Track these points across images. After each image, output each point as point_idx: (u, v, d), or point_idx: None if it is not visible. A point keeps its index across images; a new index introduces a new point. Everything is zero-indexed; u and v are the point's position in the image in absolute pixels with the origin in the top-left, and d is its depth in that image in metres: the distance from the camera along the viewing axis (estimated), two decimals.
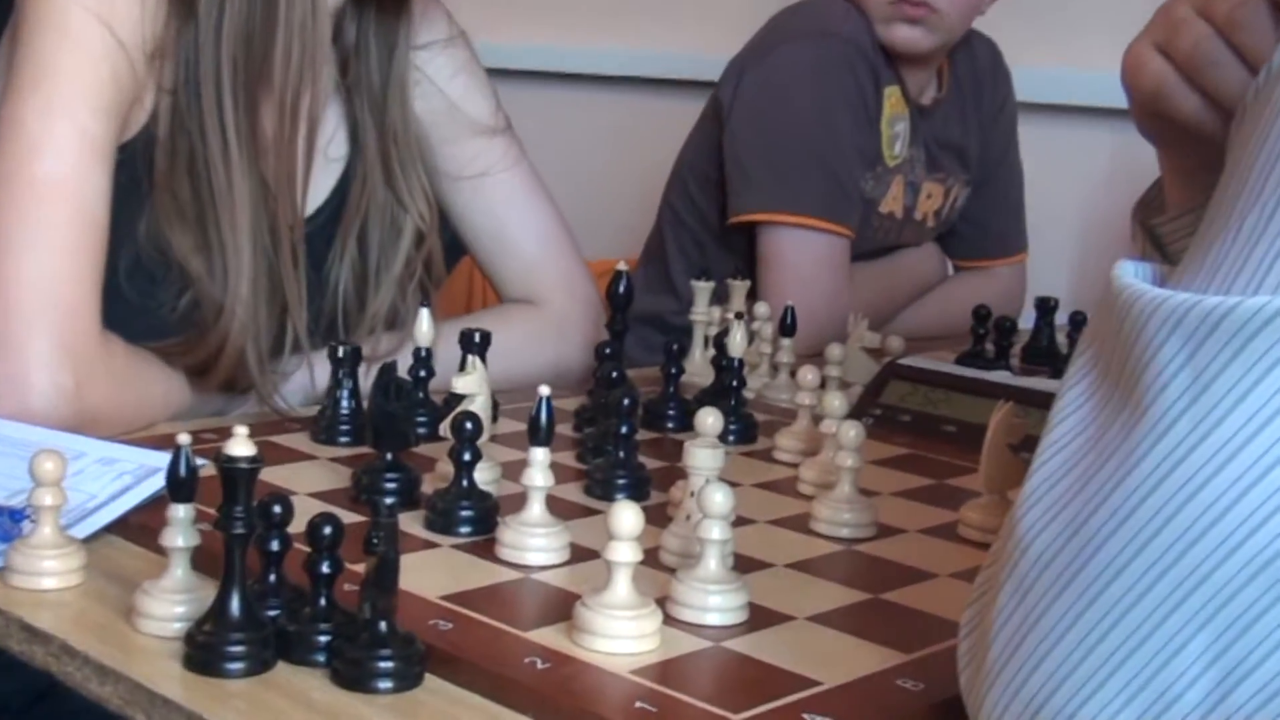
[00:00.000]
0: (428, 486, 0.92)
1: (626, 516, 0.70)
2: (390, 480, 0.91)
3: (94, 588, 0.77)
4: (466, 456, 0.87)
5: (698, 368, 1.34)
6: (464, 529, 0.85)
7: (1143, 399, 0.50)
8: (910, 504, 1.00)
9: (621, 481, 0.95)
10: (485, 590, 0.77)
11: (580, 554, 0.83)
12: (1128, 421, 0.50)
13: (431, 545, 0.84)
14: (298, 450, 1.03)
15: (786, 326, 1.29)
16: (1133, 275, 0.54)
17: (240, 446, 0.68)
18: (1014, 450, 0.93)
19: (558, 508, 0.86)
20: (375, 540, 0.66)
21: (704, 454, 0.82)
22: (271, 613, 0.70)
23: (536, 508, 0.82)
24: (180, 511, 0.72)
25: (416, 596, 0.75)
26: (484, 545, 0.84)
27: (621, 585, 0.70)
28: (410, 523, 0.87)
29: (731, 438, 1.12)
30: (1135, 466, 0.49)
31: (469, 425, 0.86)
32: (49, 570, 0.76)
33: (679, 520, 0.83)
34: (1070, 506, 0.51)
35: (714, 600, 0.74)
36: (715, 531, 0.74)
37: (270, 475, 0.94)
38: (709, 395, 1.19)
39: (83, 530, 0.83)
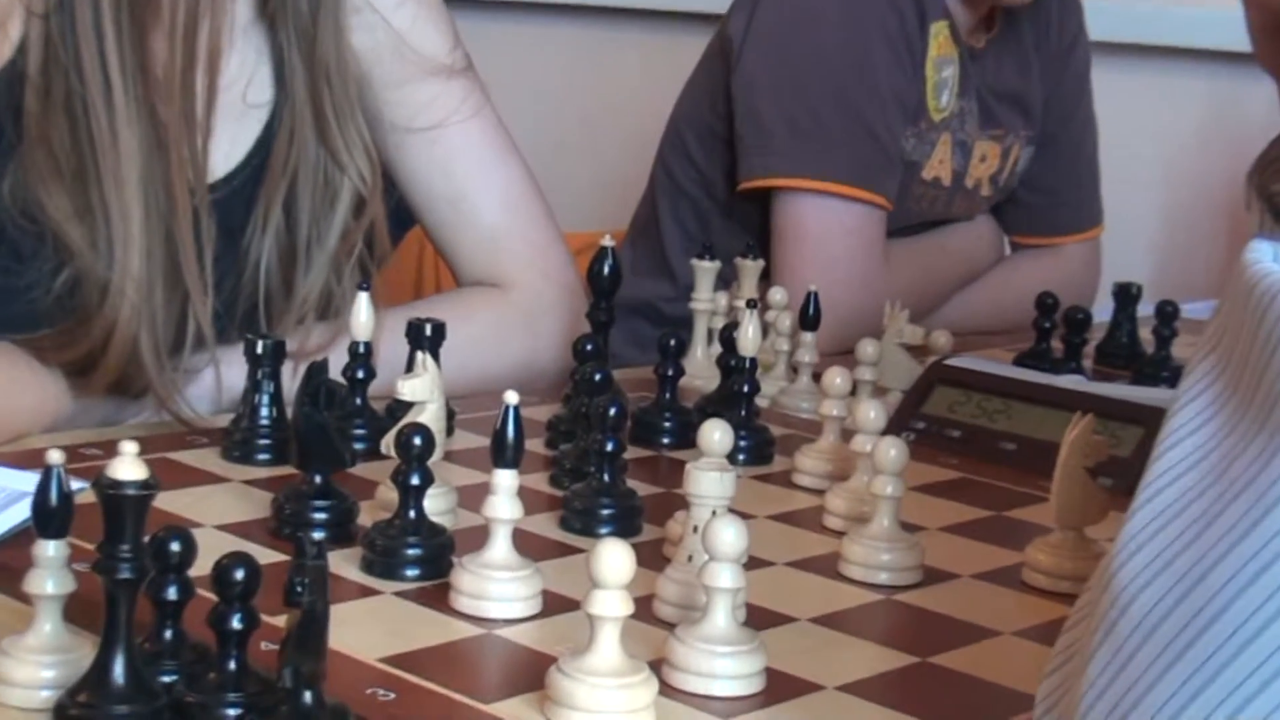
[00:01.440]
0: (366, 518, 0.90)
1: (613, 558, 0.68)
2: (319, 510, 0.89)
3: None
4: (414, 480, 0.85)
5: (700, 368, 1.32)
6: (410, 571, 0.84)
7: None
8: (962, 542, 0.98)
9: (606, 512, 0.93)
10: (437, 650, 0.76)
11: (555, 604, 0.81)
12: (1265, 449, 0.48)
13: (370, 592, 0.83)
14: (205, 471, 1.01)
15: (808, 318, 1.28)
16: (1272, 259, 0.52)
17: (127, 468, 0.66)
18: (1093, 475, 0.92)
19: (527, 545, 0.84)
20: (299, 588, 0.64)
21: (710, 479, 0.81)
22: (166, 678, 0.68)
23: (501, 546, 0.80)
24: (50, 549, 0.69)
25: (351, 658, 0.73)
26: (435, 592, 0.82)
27: (607, 645, 0.68)
28: (344, 564, 0.85)
29: (742, 457, 1.10)
30: (1274, 508, 0.47)
31: (418, 441, 0.84)
32: None
33: (678, 562, 0.82)
34: (1185, 555, 0.49)
35: (722, 665, 0.72)
36: (725, 578, 0.73)
37: (169, 502, 0.92)
38: (714, 403, 1.17)
39: None
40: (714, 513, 0.80)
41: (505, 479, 0.80)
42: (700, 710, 0.71)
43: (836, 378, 1.08)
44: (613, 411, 0.93)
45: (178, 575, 0.69)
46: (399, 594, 0.82)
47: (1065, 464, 0.91)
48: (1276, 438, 0.48)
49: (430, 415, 0.95)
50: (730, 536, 0.72)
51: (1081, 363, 1.44)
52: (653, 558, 0.89)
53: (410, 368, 0.99)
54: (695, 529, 0.80)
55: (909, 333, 1.34)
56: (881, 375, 1.28)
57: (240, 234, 1.23)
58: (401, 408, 1.00)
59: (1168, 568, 0.49)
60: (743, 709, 0.72)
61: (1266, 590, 0.47)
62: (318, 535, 0.87)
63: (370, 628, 0.78)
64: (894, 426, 1.22)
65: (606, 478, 0.94)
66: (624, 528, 0.93)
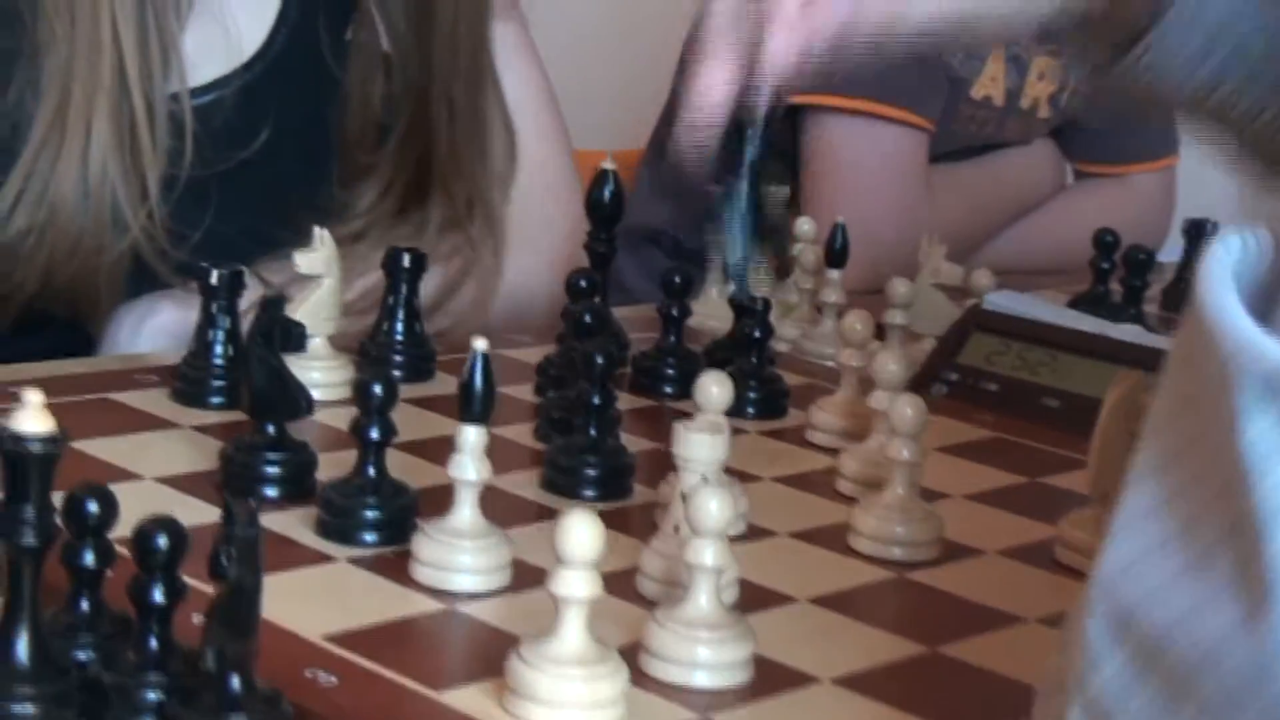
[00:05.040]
0: (326, 470, 0.88)
1: (580, 532, 0.66)
2: (272, 464, 0.87)
3: None
4: (374, 435, 0.83)
5: (714, 308, 1.29)
6: (368, 536, 0.82)
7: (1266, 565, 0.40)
8: (990, 512, 0.96)
9: (591, 472, 0.91)
10: (389, 628, 0.74)
11: (527, 577, 0.79)
12: (1242, 590, 0.41)
13: (323, 559, 0.81)
14: (149, 414, 0.99)
15: (835, 253, 1.25)
16: (1240, 255, 0.44)
17: (32, 419, 0.64)
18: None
19: (503, 505, 0.83)
20: (224, 560, 0.63)
21: (699, 441, 0.78)
22: (82, 654, 0.67)
23: (466, 511, 0.79)
24: None
25: (291, 634, 0.72)
26: (396, 561, 0.80)
27: (573, 630, 0.67)
28: (299, 525, 0.83)
29: (751, 410, 1.08)
30: (1266, 680, 0.41)
31: (377, 390, 0.82)
32: None
33: (664, 533, 0.80)
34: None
35: (703, 653, 0.70)
36: (707, 555, 0.71)
37: (105, 450, 0.91)
38: (724, 348, 1.15)
39: None
40: (704, 480, 0.78)
41: (471, 436, 0.78)
42: (677, 704, 0.69)
43: (856, 323, 1.06)
44: (599, 360, 0.91)
45: (97, 539, 0.68)
46: (354, 560, 0.81)
47: (1105, 428, 0.88)
48: (1255, 584, 0.40)
49: (326, 290, 1.02)
50: (714, 508, 0.70)
51: (1143, 309, 1.41)
52: (642, 525, 0.87)
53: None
54: (683, 496, 0.78)
55: (946, 272, 1.32)
56: (914, 319, 1.25)
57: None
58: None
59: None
60: (724, 703, 0.70)
61: None
62: (269, 492, 0.86)
63: (318, 599, 0.76)
64: (924, 378, 1.20)
65: (593, 433, 0.92)
66: (611, 489, 0.91)
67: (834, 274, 1.26)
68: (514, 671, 0.67)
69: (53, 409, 0.97)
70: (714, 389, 0.86)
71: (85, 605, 0.68)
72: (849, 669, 0.73)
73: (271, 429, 0.87)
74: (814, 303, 1.30)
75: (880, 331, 1.17)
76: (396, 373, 1.08)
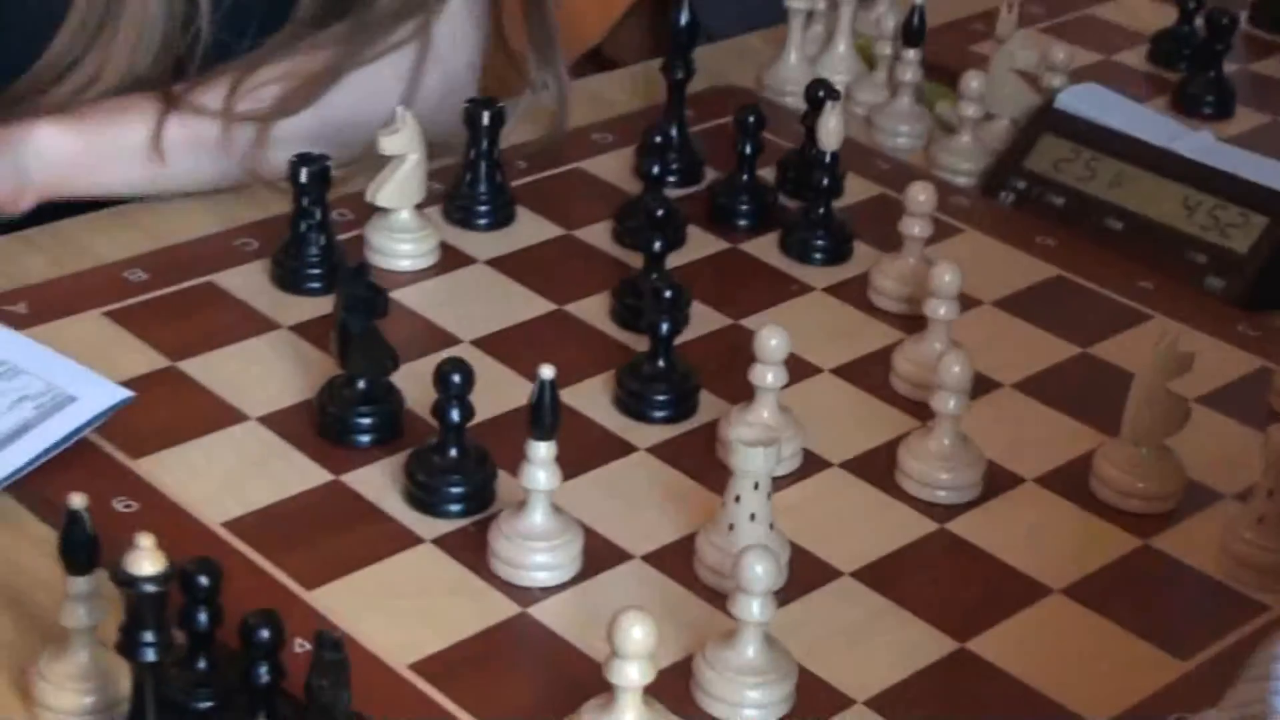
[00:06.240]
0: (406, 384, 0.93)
1: (633, 631, 0.72)
2: (363, 415, 0.92)
3: None
4: (455, 416, 0.88)
5: (789, 80, 1.30)
6: (453, 507, 0.88)
7: None
8: (1037, 411, 1.00)
9: (661, 397, 0.96)
10: (470, 648, 0.80)
11: (599, 557, 0.86)
12: None
13: (410, 542, 0.87)
14: (251, 311, 1.03)
15: (912, 32, 1.25)
16: None
17: (144, 561, 0.70)
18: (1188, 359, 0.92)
19: (576, 431, 0.91)
20: (320, 686, 0.69)
21: (754, 455, 0.82)
22: (203, 704, 0.75)
23: (538, 516, 0.84)
24: (81, 584, 0.75)
25: (381, 663, 0.79)
26: (477, 542, 0.86)
27: (629, 711, 0.73)
28: (389, 488, 0.89)
29: (818, 257, 1.11)
30: None
31: (456, 379, 0.87)
32: None
33: (719, 526, 0.85)
34: None
35: (751, 695, 0.77)
36: (754, 610, 0.76)
37: (213, 375, 0.97)
38: (796, 167, 1.16)
39: None
40: (755, 485, 0.83)
41: (542, 450, 0.83)
42: None
43: (920, 195, 1.07)
44: (668, 294, 0.95)
45: (209, 606, 0.75)
46: (438, 541, 0.87)
47: (1146, 381, 0.91)
48: None
49: (410, 165, 1.05)
50: (760, 572, 0.75)
51: (1227, 86, 1.36)
52: (703, 461, 0.93)
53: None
54: (737, 499, 0.84)
55: (1022, 57, 1.28)
56: (990, 102, 1.25)
57: None
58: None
59: None
60: None
61: None
62: (362, 440, 0.92)
63: (405, 607, 0.83)
64: (994, 181, 1.22)
65: (662, 364, 0.96)
66: (678, 411, 0.96)
67: (911, 54, 1.26)
68: None
69: (161, 305, 1.03)
70: (773, 341, 0.90)
71: (203, 664, 0.76)
72: (880, 684, 0.80)
73: (362, 384, 0.93)
74: (890, 79, 1.30)
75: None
76: (481, 221, 1.12)
